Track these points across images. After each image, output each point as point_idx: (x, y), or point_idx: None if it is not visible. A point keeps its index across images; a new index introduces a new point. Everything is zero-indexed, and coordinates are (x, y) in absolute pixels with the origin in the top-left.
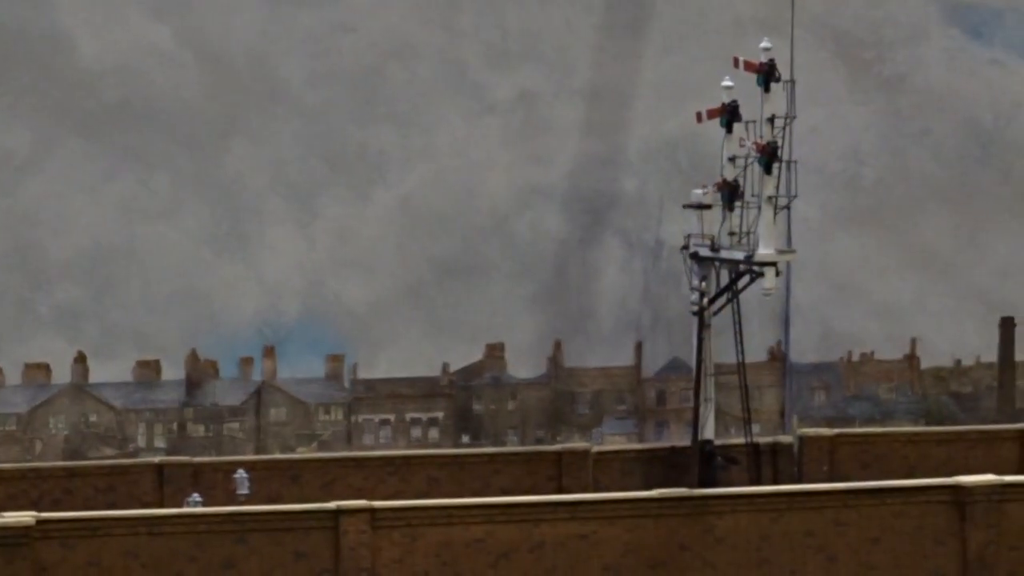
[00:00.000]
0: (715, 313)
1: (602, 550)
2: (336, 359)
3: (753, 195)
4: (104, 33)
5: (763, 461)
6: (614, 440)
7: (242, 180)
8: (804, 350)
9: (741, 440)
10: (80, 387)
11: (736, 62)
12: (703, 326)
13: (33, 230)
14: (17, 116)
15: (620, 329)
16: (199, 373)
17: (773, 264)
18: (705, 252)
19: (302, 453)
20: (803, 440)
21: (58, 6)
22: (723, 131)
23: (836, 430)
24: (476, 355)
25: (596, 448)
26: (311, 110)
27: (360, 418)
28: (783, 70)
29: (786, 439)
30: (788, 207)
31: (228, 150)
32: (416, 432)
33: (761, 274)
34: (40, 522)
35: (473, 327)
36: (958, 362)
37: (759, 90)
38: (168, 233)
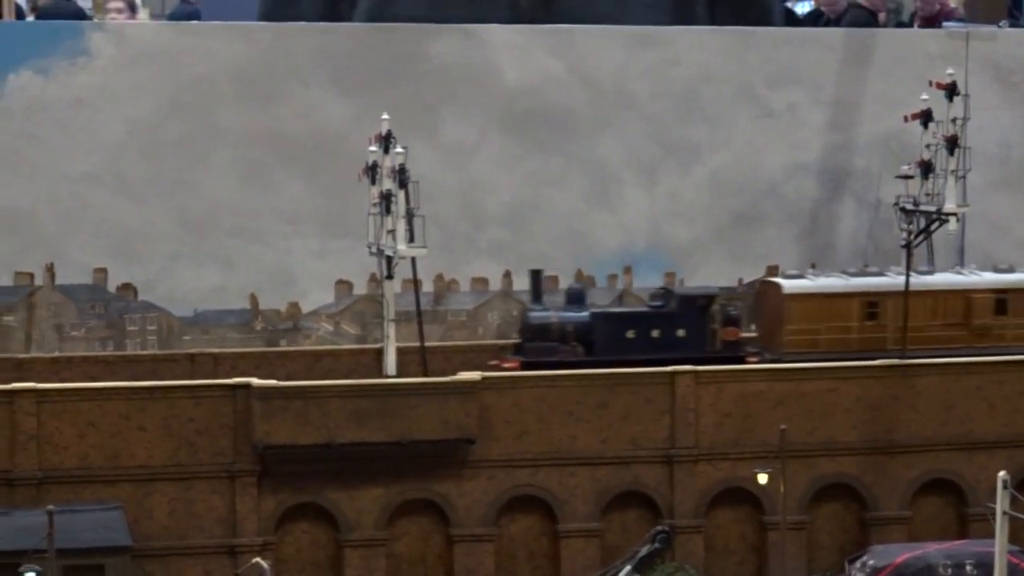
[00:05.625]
0: (916, 246)
1: (843, 399)
2: (670, 275)
3: (941, 169)
4: (520, 65)
5: None
6: None
7: (607, 160)
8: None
9: None
10: (506, 292)
11: (930, 83)
12: (909, 255)
13: (475, 192)
14: (465, 119)
15: (853, 256)
16: (582, 283)
17: (954, 214)
18: (909, 206)
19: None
20: None
21: (491, 48)
22: (921, 128)
23: None
24: (759, 273)
25: None
26: (651, 115)
27: None
28: (961, 88)
29: None
30: (964, 177)
31: (597, 141)
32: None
33: (946, 221)
34: (483, 378)
35: (757, 255)
36: None
37: (945, 101)
38: (559, 195)
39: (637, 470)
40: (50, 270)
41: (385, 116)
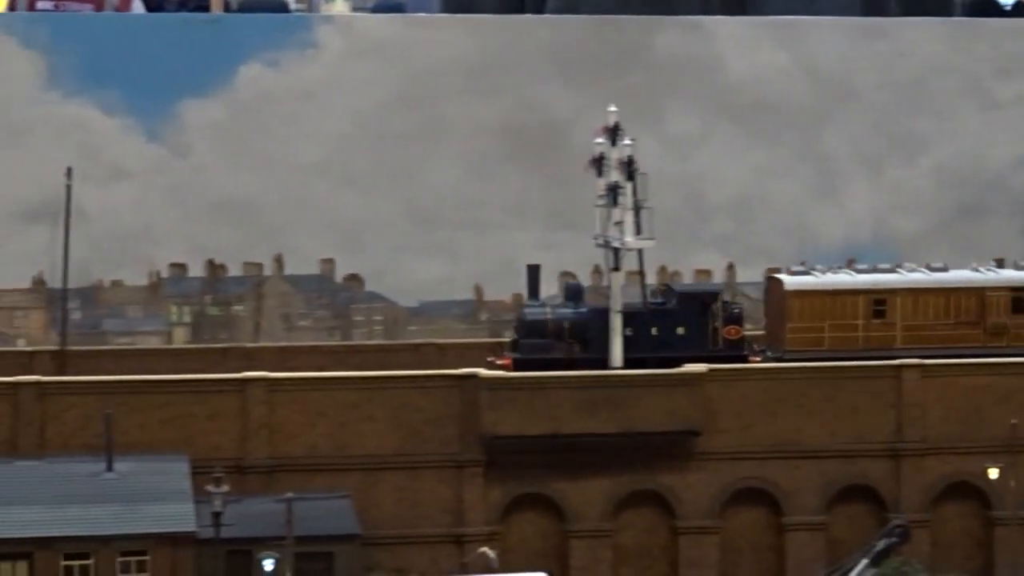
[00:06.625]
0: None
1: None
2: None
3: None
4: (745, 57)
5: None
6: None
7: (832, 153)
8: None
9: None
10: (730, 284)
11: None
12: None
13: (700, 184)
14: (689, 112)
15: None
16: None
17: None
18: None
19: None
20: None
21: (716, 40)
22: None
23: None
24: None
25: None
26: (877, 107)
27: None
28: None
29: None
30: None
31: (822, 133)
32: None
33: None
34: (710, 370)
35: (983, 246)
36: None
37: None
38: (785, 187)
39: (863, 464)
40: (278, 260)
41: (612, 108)
